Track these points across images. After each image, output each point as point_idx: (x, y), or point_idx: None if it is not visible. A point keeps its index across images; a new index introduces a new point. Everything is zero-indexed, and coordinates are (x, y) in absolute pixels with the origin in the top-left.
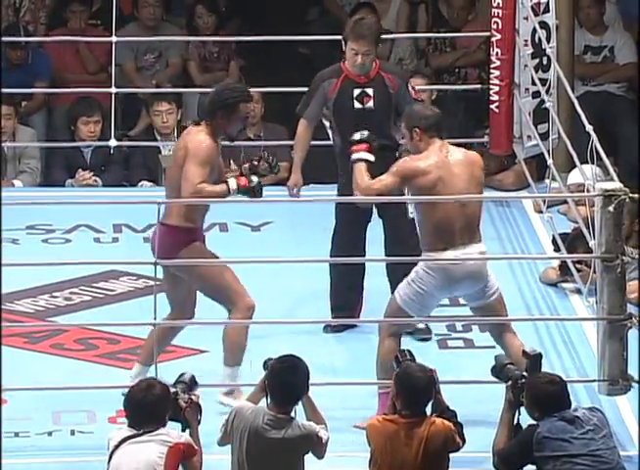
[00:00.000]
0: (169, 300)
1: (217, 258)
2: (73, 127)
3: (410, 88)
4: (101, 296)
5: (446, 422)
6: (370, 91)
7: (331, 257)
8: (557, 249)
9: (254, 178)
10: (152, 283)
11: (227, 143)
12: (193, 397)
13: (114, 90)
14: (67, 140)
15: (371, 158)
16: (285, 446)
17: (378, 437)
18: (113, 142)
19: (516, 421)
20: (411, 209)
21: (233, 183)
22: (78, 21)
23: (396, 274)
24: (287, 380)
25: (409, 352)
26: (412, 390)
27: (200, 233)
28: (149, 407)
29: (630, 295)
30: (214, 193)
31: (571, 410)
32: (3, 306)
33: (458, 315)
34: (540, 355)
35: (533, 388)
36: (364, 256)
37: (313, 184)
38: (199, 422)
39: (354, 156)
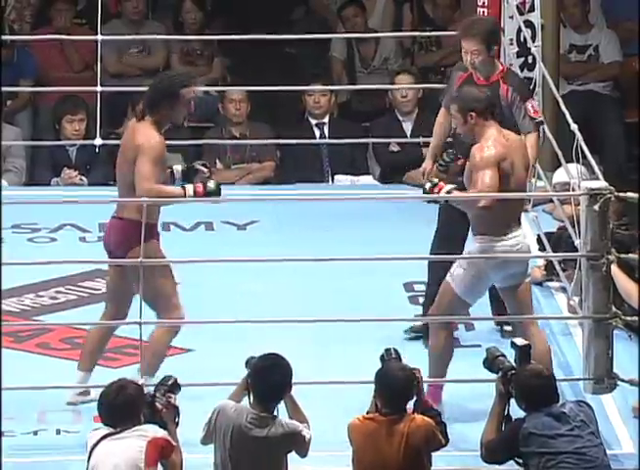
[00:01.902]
0: (110, 293)
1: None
2: (58, 126)
3: (530, 106)
4: (87, 295)
5: (427, 419)
6: None
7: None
8: (542, 248)
9: (211, 183)
10: None
11: (212, 141)
12: (170, 399)
13: (99, 89)
14: (52, 139)
15: (454, 186)
16: (268, 444)
17: (358, 435)
18: (98, 141)
19: (506, 413)
20: None
21: (190, 190)
22: (63, 19)
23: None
24: (269, 378)
25: (395, 350)
26: (391, 388)
27: (156, 230)
28: (122, 408)
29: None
30: (171, 195)
31: (558, 405)
32: None
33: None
34: (529, 347)
35: (520, 381)
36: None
37: (299, 183)
38: (177, 424)
39: (442, 193)
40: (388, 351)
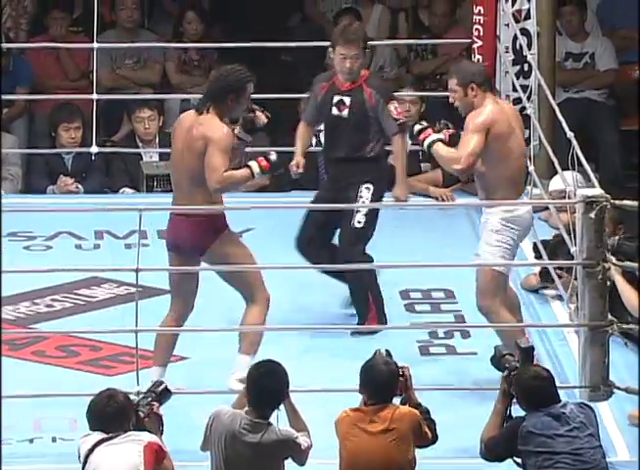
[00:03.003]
0: (177, 291)
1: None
2: (54, 134)
3: (392, 108)
4: (82, 303)
5: (413, 409)
6: (347, 100)
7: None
8: (538, 255)
9: (272, 155)
10: (133, 290)
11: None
12: (153, 407)
13: (95, 97)
14: (48, 147)
15: (442, 136)
16: (261, 450)
17: (344, 425)
18: (94, 148)
19: (509, 413)
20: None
21: (255, 167)
22: (59, 28)
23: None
24: (263, 384)
25: (387, 351)
26: (375, 381)
27: (225, 219)
28: (114, 416)
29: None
30: (242, 179)
31: (558, 406)
32: None
33: (440, 322)
34: (532, 348)
35: (520, 381)
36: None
37: (295, 190)
38: (161, 432)
39: (427, 141)
40: (379, 351)
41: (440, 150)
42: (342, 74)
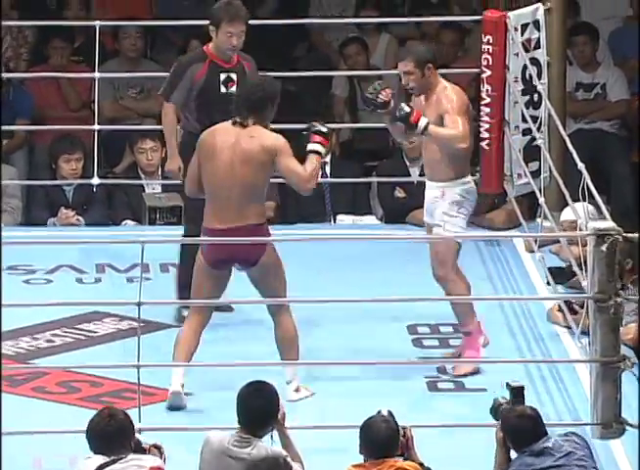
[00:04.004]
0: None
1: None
2: (55, 165)
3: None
4: (83, 337)
5: (414, 464)
6: (234, 76)
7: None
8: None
9: (318, 127)
10: (135, 324)
11: None
12: (156, 443)
13: (96, 127)
14: (48, 178)
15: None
16: (251, 464)
17: None
18: (95, 180)
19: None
20: None
21: (318, 148)
22: (60, 57)
23: None
24: (251, 403)
25: (389, 411)
26: (374, 440)
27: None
28: (115, 435)
29: (625, 336)
30: (317, 165)
31: (541, 442)
32: None
33: (449, 357)
34: (522, 388)
35: (505, 421)
36: None
37: (300, 223)
38: (163, 460)
39: (423, 122)
40: (379, 412)
41: (440, 130)
42: (227, 51)
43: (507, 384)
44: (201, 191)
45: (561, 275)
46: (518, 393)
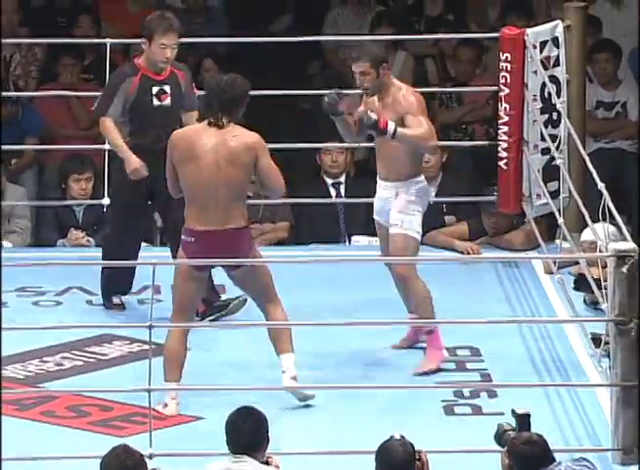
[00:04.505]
0: (190, 308)
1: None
2: (64, 185)
3: (193, 84)
4: (93, 361)
5: None
6: (167, 88)
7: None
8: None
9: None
10: (146, 347)
11: None
12: None
13: (107, 146)
14: (58, 198)
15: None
16: None
17: None
18: (106, 200)
19: None
20: None
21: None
22: (70, 75)
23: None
24: (239, 427)
25: (402, 436)
26: (390, 463)
27: None
28: None
29: None
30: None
31: (550, 467)
32: None
33: (465, 381)
34: (528, 415)
35: (513, 448)
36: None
37: (314, 244)
38: None
39: (392, 125)
40: (392, 437)
41: (408, 131)
42: (161, 64)
43: (512, 411)
44: (178, 191)
45: (585, 284)
46: (523, 420)
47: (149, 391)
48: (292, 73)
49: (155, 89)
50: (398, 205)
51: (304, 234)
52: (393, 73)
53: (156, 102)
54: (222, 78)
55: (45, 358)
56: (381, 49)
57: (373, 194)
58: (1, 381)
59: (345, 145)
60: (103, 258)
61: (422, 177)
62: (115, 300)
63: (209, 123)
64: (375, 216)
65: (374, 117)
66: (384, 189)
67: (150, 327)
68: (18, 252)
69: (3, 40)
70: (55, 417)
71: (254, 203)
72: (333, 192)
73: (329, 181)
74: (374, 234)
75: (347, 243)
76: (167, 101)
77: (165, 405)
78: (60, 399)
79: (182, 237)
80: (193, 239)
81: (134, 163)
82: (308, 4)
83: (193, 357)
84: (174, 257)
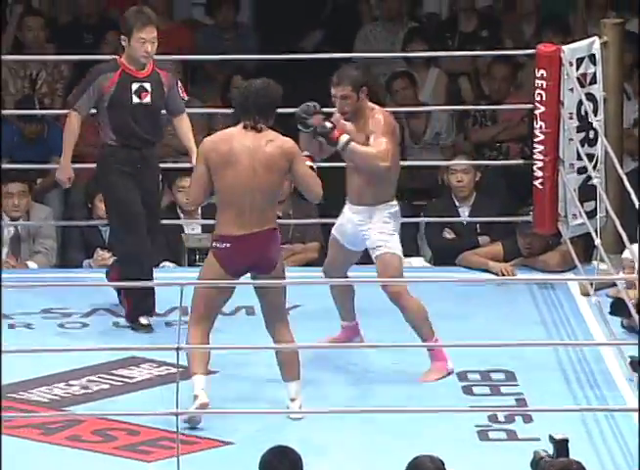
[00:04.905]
0: (216, 310)
1: None
2: (91, 205)
3: (180, 87)
4: (120, 384)
5: None
6: (147, 86)
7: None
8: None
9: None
10: (174, 370)
11: None
12: None
13: None
14: (84, 218)
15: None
16: None
17: None
18: None
19: None
20: None
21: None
22: None
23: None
24: (271, 467)
25: (439, 459)
26: None
27: None
28: None
29: None
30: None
31: None
32: (16, 396)
33: (500, 405)
34: (567, 441)
35: None
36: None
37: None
38: None
39: (344, 138)
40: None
41: (360, 147)
42: (141, 59)
43: (550, 436)
44: (203, 199)
45: (622, 308)
46: (562, 445)
47: (177, 414)
48: (323, 90)
49: (134, 86)
50: (377, 227)
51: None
52: (426, 91)
53: (135, 99)
54: (255, 82)
55: (71, 382)
56: (360, 72)
57: (406, 214)
58: (1, 400)
59: None
60: (121, 278)
61: (395, 202)
62: (143, 320)
63: (245, 127)
64: (336, 235)
65: (329, 125)
66: (354, 213)
67: (177, 349)
68: (43, 272)
69: (29, 57)
70: (81, 441)
71: (284, 223)
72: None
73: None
74: (406, 255)
75: None
76: (147, 99)
77: (196, 397)
78: (86, 423)
79: (214, 244)
80: (228, 244)
81: (65, 173)
82: (340, 20)
83: (220, 379)
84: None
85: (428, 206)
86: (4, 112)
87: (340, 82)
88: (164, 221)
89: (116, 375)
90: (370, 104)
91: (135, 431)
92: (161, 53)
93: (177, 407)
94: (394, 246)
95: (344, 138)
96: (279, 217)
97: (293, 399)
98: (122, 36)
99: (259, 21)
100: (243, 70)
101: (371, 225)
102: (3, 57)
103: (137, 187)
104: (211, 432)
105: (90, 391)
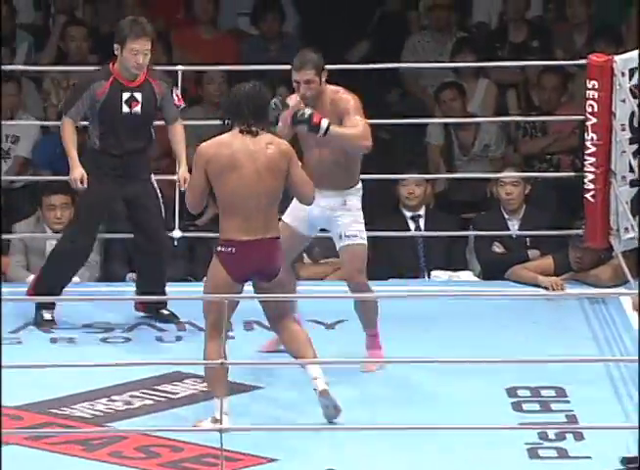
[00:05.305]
0: (220, 324)
1: None
2: None
3: (175, 95)
4: (163, 399)
5: None
6: (138, 96)
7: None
8: None
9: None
10: None
11: None
12: None
13: (176, 177)
14: (127, 231)
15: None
16: None
17: None
18: (177, 233)
19: None
20: None
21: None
22: None
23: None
24: None
25: None
26: None
27: None
28: None
29: None
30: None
31: None
32: (58, 411)
33: (550, 422)
34: (636, 459)
35: None
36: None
37: (392, 279)
38: None
39: (325, 122)
40: None
41: (342, 129)
42: (133, 70)
43: (622, 458)
44: (202, 205)
45: None
46: (633, 463)
47: (221, 431)
48: (369, 102)
49: (125, 95)
50: (353, 214)
51: (382, 269)
52: (475, 102)
53: (125, 109)
54: (245, 86)
55: (113, 397)
56: (320, 55)
57: (454, 227)
58: (1, 410)
59: (424, 176)
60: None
61: (360, 184)
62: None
63: (241, 131)
64: (288, 222)
65: (308, 111)
66: (326, 198)
67: (222, 364)
68: (86, 286)
69: (72, 68)
70: (123, 458)
71: (329, 236)
72: (412, 225)
73: (407, 214)
74: (455, 269)
75: (427, 278)
76: (137, 109)
77: (216, 420)
78: (128, 439)
79: (219, 249)
80: (234, 249)
81: (77, 172)
82: (387, 30)
83: (265, 395)
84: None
85: (476, 219)
86: (48, 123)
87: (303, 67)
88: (208, 234)
89: (160, 390)
90: (330, 86)
91: (179, 447)
92: (206, 63)
93: (221, 423)
94: (365, 236)
95: (325, 123)
96: (323, 230)
97: (315, 378)
98: (115, 45)
99: (305, 31)
100: (288, 81)
101: (345, 212)
102: (46, 68)
103: (116, 194)
104: (256, 448)
105: (133, 406)
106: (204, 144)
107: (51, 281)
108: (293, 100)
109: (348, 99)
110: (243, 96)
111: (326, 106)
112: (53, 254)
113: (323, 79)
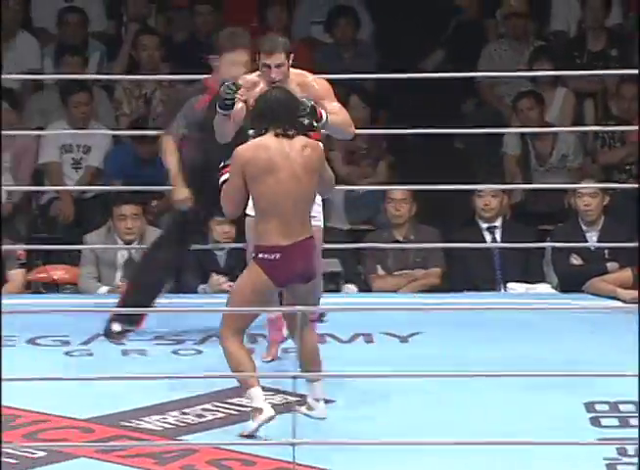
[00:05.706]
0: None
1: None
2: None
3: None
4: (235, 413)
5: None
6: None
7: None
8: None
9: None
10: (291, 398)
11: (372, 245)
12: None
13: None
14: (199, 242)
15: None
16: None
17: None
18: None
19: None
20: None
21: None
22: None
23: None
24: None
25: None
26: None
27: None
28: None
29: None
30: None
31: None
32: (130, 424)
33: (629, 438)
34: None
35: None
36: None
37: (468, 291)
38: None
39: (325, 115)
40: None
41: (335, 118)
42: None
43: None
44: (241, 210)
45: None
46: None
47: (293, 444)
48: (445, 111)
49: None
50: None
51: (457, 281)
52: (552, 112)
53: None
54: (274, 92)
55: (185, 410)
56: (286, 39)
57: (531, 239)
58: (1, 410)
59: (501, 187)
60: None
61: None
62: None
63: (277, 135)
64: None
65: (308, 103)
66: None
67: (294, 377)
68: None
69: (144, 77)
70: None
71: (406, 247)
72: (488, 236)
73: (483, 225)
74: (531, 281)
75: (503, 290)
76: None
77: (260, 410)
78: (200, 452)
79: (260, 256)
80: (278, 256)
81: (183, 192)
82: (463, 39)
83: (341, 408)
84: None
85: (554, 230)
86: (120, 132)
87: (274, 50)
88: None
89: (232, 403)
90: (295, 70)
91: (250, 461)
92: None
93: (294, 436)
94: (322, 218)
95: (324, 113)
96: (399, 241)
97: (317, 400)
98: (213, 56)
99: (379, 38)
100: (362, 90)
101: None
102: (118, 77)
103: (213, 215)
104: (329, 462)
105: (205, 419)
106: (240, 147)
107: (142, 293)
108: (247, 81)
109: (323, 82)
110: (274, 101)
111: (293, 90)
112: (143, 265)
113: (290, 62)
